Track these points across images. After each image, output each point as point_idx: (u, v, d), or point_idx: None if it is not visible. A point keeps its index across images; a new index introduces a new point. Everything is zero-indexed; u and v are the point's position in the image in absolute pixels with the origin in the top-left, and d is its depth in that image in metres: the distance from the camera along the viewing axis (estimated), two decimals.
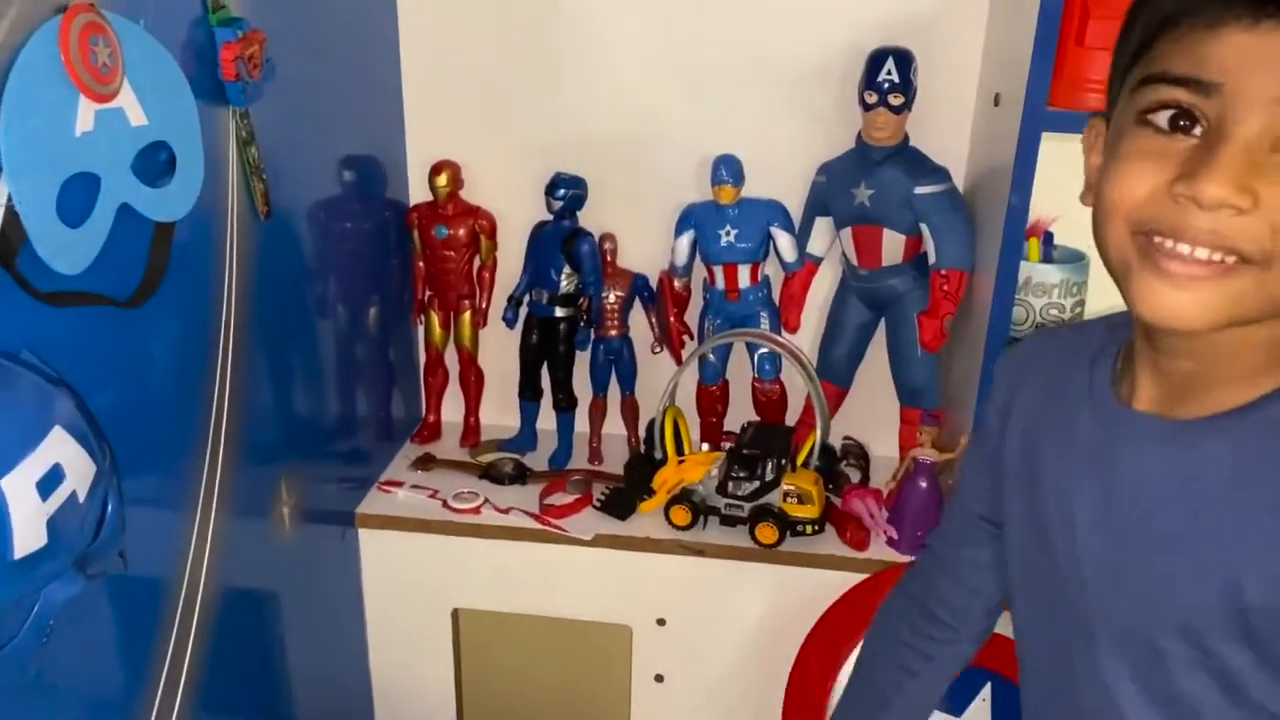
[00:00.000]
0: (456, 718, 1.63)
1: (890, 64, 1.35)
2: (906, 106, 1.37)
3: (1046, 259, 1.38)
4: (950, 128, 1.46)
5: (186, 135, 0.95)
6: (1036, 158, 1.20)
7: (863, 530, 1.42)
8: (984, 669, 1.30)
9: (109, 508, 0.78)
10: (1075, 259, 1.38)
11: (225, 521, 1.11)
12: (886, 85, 1.35)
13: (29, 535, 0.67)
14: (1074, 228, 1.29)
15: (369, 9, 1.47)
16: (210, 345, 1.07)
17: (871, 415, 1.60)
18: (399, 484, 1.54)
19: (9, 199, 0.75)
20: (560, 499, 1.51)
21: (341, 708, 1.54)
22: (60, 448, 0.70)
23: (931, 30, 1.42)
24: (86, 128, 0.83)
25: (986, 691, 1.32)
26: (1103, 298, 1.16)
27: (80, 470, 0.72)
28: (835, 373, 1.56)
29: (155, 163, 0.92)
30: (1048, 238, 1.37)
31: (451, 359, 1.66)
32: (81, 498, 0.72)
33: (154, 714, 0.99)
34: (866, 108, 1.38)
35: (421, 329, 1.65)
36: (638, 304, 1.61)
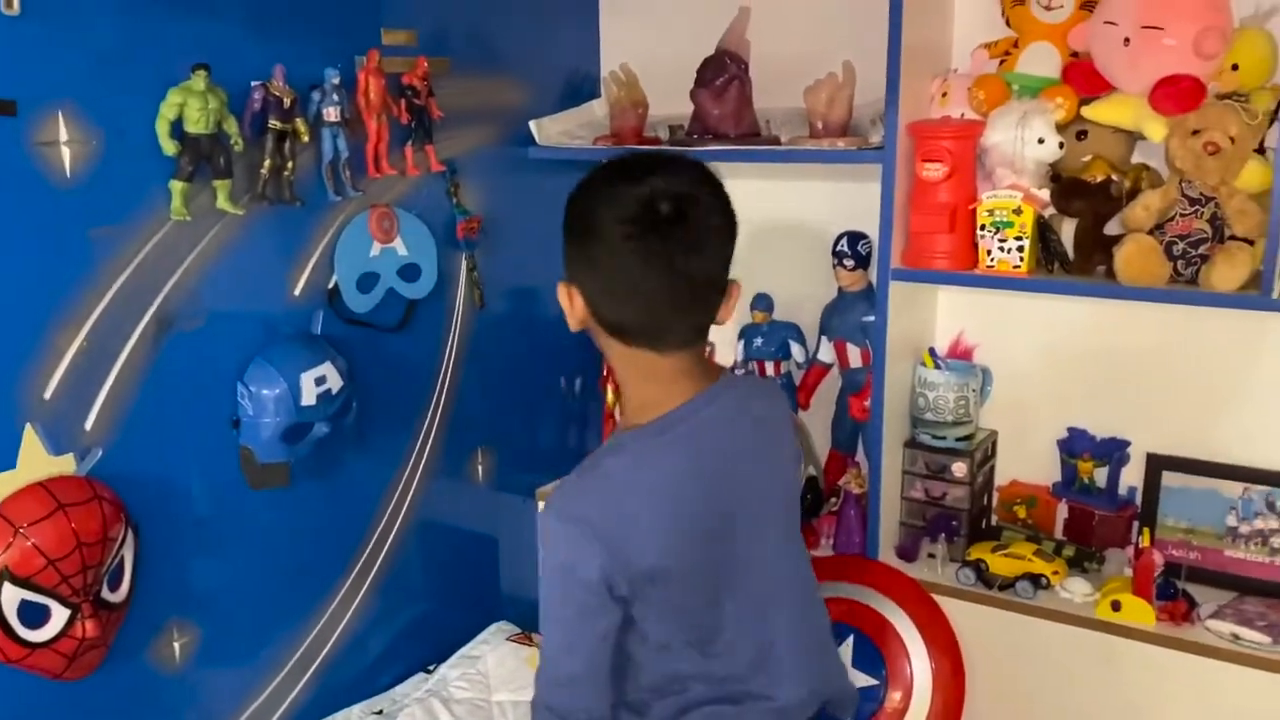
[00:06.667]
0: None
1: (844, 241, 2.16)
2: (860, 266, 2.16)
3: (938, 366, 2.07)
4: None
5: (427, 261, 2.10)
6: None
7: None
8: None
9: (352, 404, 1.90)
10: (962, 369, 2.06)
11: (434, 461, 2.20)
12: (840, 253, 2.16)
13: (308, 398, 1.79)
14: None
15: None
16: (438, 361, 2.20)
17: None
18: None
19: (336, 281, 1.93)
20: None
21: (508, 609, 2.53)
22: (327, 369, 1.83)
23: None
24: (375, 254, 1.99)
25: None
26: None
27: (335, 383, 1.84)
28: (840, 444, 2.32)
29: (411, 273, 2.07)
30: (932, 351, 2.08)
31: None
32: (334, 393, 1.84)
33: (354, 572, 2.10)
34: (834, 266, 2.20)
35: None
36: None
